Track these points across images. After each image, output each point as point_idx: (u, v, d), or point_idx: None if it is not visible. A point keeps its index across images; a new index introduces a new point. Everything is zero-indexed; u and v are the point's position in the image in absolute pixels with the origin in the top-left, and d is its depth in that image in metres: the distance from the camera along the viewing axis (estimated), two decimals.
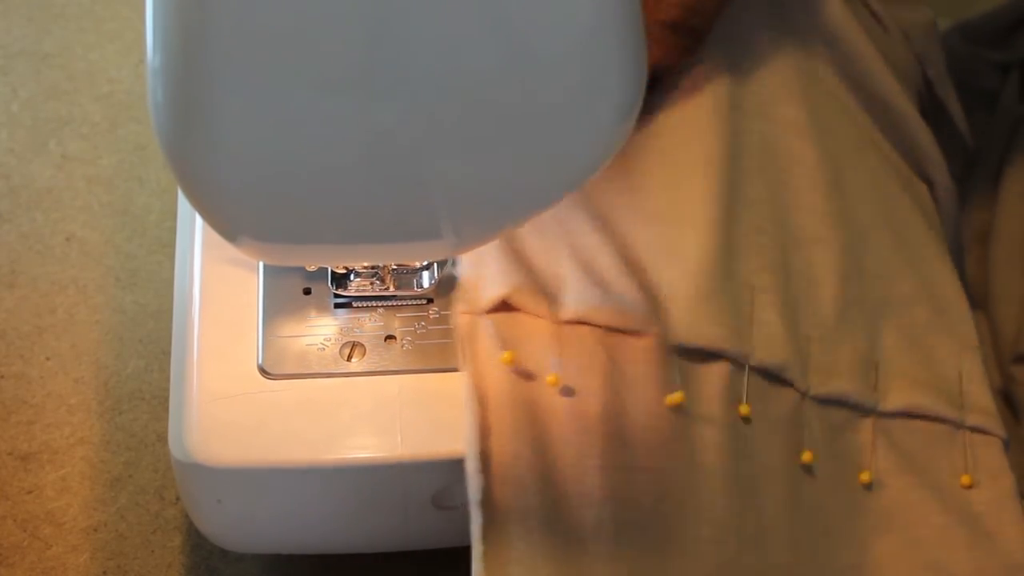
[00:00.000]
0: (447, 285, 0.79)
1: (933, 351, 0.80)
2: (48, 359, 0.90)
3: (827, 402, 0.77)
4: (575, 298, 0.75)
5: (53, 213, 0.96)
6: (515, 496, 0.71)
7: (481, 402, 0.73)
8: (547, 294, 0.75)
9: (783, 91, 0.84)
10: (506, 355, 0.73)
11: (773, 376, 0.76)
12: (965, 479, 0.77)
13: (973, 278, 0.96)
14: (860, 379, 0.78)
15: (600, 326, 0.74)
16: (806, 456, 0.76)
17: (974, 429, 0.78)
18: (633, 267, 0.77)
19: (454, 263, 0.79)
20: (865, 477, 0.76)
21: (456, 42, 0.62)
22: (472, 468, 0.71)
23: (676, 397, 0.74)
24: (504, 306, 0.75)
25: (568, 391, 0.73)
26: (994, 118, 1.01)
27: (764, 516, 0.74)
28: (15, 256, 0.94)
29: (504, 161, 0.66)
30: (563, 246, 0.77)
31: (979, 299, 0.95)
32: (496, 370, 0.73)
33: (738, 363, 0.76)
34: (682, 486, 0.73)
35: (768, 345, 0.76)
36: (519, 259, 0.77)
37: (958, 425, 0.78)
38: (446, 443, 0.74)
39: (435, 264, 0.79)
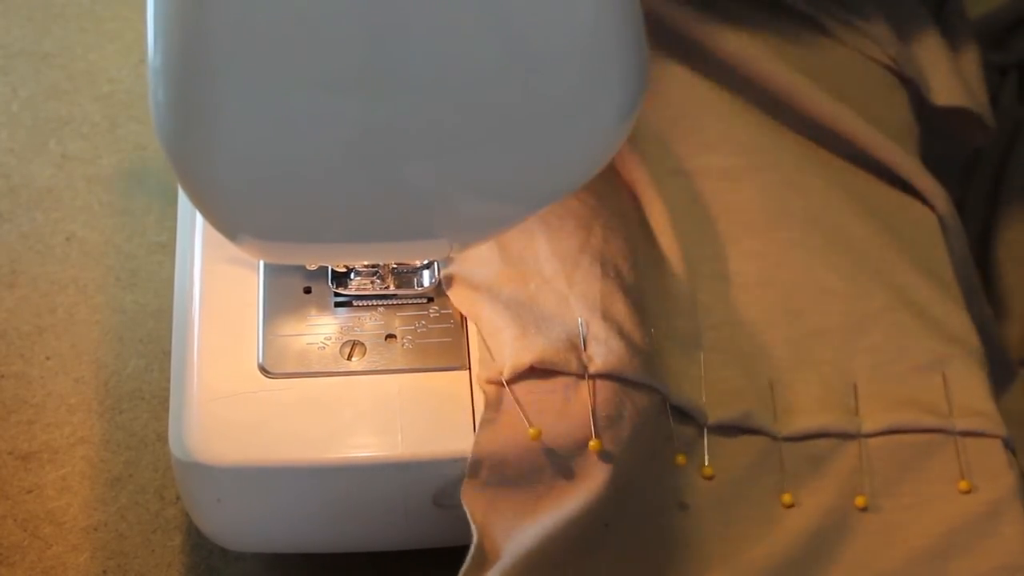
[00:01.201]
0: (447, 284, 0.79)
1: (913, 361, 0.80)
2: (48, 359, 0.89)
3: (804, 438, 0.78)
4: (603, 350, 0.74)
5: (53, 213, 0.96)
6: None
7: (489, 480, 0.72)
8: (572, 347, 0.74)
9: (715, 138, 0.85)
10: (533, 431, 0.72)
11: (735, 429, 0.77)
12: (963, 484, 0.76)
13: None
14: (836, 408, 0.78)
15: (622, 380, 0.74)
16: (786, 498, 0.76)
17: (967, 433, 0.78)
18: (642, 316, 0.76)
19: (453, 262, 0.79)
20: (860, 502, 0.76)
21: (456, 42, 0.62)
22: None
23: (683, 459, 0.75)
24: (530, 370, 0.73)
25: (605, 454, 0.72)
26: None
27: (745, 553, 0.75)
28: (15, 256, 0.94)
29: (504, 160, 0.66)
30: (575, 293, 0.76)
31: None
32: (519, 447, 0.72)
33: (698, 424, 0.77)
34: (671, 537, 0.74)
35: (723, 402, 0.77)
36: (532, 313, 0.75)
37: (948, 432, 0.78)
38: (446, 442, 0.74)
39: (436, 263, 0.79)
